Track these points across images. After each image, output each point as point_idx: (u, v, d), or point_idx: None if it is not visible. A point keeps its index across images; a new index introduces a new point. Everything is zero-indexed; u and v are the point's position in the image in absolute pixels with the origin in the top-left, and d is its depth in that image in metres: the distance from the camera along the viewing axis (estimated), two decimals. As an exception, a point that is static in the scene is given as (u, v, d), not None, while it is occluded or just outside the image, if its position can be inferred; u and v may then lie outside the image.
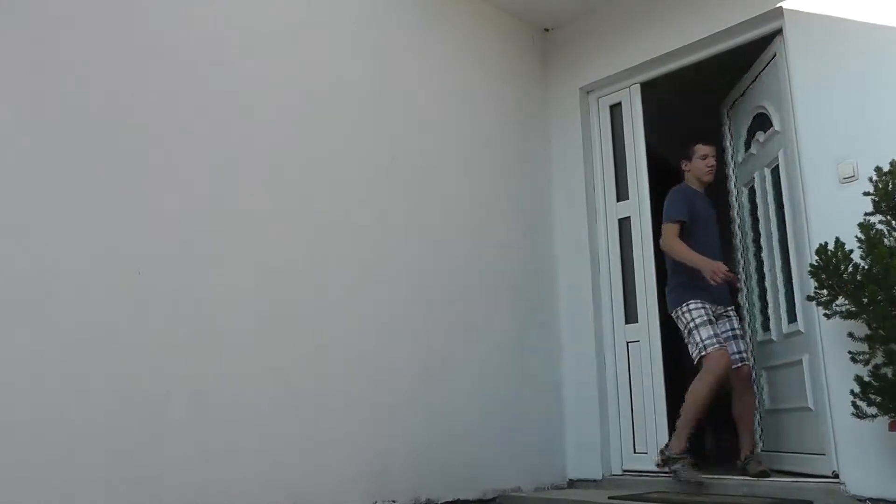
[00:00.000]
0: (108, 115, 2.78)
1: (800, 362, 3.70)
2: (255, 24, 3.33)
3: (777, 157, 3.95)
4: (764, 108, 4.12)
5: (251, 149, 3.19)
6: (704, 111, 4.92)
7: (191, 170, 2.98)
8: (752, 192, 4.32)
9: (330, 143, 3.49)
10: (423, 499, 3.49)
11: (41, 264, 2.53)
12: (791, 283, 3.82)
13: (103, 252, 2.68)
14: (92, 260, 2.65)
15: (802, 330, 3.67)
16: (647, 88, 4.48)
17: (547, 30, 4.84)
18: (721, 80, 4.60)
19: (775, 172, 3.99)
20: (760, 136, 4.18)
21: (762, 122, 4.19)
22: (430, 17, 4.13)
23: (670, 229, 3.95)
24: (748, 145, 4.38)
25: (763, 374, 4.14)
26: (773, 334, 4.01)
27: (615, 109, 4.57)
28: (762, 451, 4.05)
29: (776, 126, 3.97)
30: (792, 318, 3.81)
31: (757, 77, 4.20)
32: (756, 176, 4.23)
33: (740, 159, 4.48)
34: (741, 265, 4.37)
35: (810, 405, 3.62)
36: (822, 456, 3.48)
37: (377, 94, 3.76)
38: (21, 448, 2.38)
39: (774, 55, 3.93)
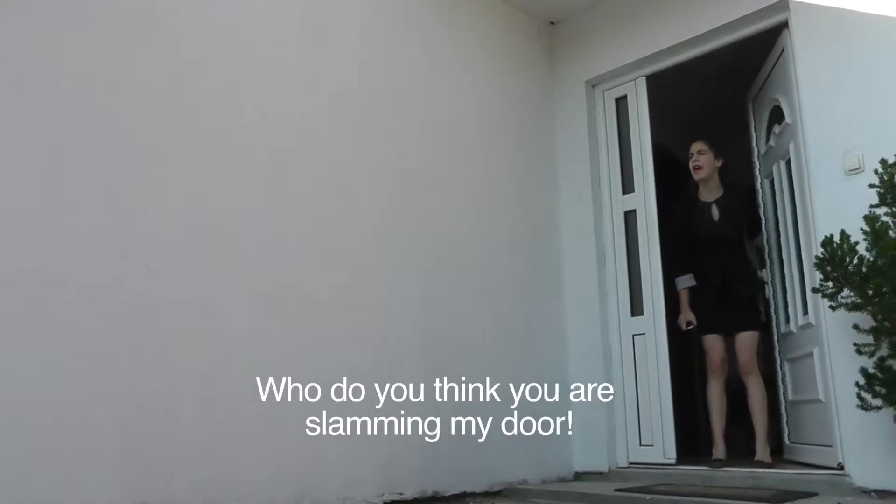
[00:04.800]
0: (113, 111, 2.80)
1: (811, 355, 3.70)
2: (262, 24, 3.34)
3: (789, 150, 3.94)
4: (778, 101, 4.11)
5: (258, 146, 3.20)
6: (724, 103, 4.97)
7: (199, 166, 3.00)
8: (772, 184, 4.29)
9: (335, 137, 3.50)
10: (430, 492, 3.51)
11: (49, 260, 2.55)
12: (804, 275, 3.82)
13: (111, 247, 2.70)
14: (100, 255, 2.67)
15: (813, 322, 3.67)
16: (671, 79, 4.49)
17: (553, 23, 4.83)
18: (738, 69, 4.59)
19: (789, 165, 3.99)
20: (776, 128, 4.17)
21: (777, 114, 4.17)
22: (437, 10, 4.13)
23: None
24: (768, 137, 4.36)
25: (786, 365, 4.16)
26: (792, 326, 4.01)
27: (621, 102, 4.57)
28: (789, 442, 4.11)
29: (788, 119, 3.96)
30: (806, 310, 3.80)
31: (771, 70, 4.19)
32: (774, 168, 4.22)
33: (763, 151, 4.46)
34: (767, 258, 4.35)
35: (821, 397, 3.62)
36: (829, 447, 3.49)
37: (383, 86, 3.76)
38: (33, 444, 2.41)
39: (783, 50, 3.92)
